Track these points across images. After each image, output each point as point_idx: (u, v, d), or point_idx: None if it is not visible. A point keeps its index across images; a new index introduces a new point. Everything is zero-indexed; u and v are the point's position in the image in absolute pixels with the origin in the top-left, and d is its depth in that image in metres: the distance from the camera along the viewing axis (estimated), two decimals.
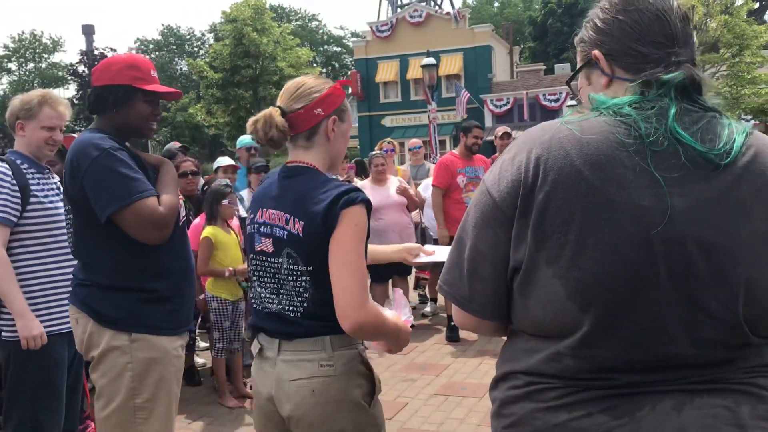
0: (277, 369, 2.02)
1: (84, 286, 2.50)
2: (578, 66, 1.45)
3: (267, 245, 2.05)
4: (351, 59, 50.24)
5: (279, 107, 2.07)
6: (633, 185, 1.19)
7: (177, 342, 2.54)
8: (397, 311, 2.14)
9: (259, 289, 2.11)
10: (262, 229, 2.07)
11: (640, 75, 1.30)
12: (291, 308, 2.02)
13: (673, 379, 1.22)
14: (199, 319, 5.60)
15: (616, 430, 1.20)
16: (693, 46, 1.35)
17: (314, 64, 38.91)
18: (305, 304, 1.99)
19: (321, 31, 64.13)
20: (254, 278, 2.13)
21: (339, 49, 63.18)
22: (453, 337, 6.34)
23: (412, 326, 6.84)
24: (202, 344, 6.33)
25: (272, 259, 2.04)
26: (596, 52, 1.37)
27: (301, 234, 1.97)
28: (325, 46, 63.07)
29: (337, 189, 1.97)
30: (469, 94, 30.33)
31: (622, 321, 1.20)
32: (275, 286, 2.05)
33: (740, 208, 1.20)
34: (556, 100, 31.56)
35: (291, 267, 2.00)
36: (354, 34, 52.74)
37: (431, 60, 17.94)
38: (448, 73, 34.74)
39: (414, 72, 33.91)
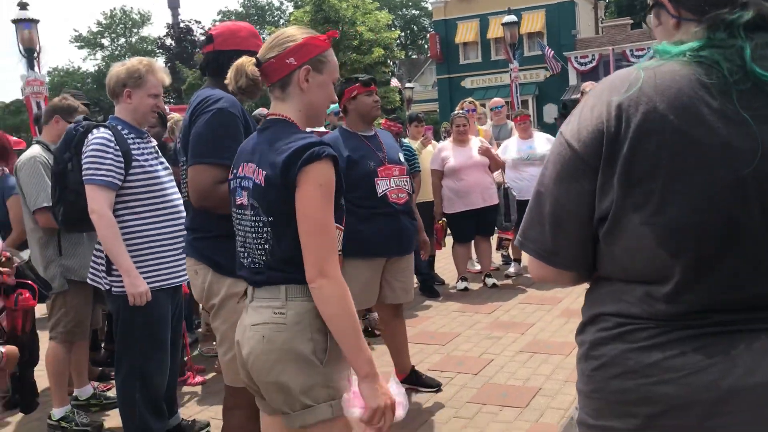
0: (246, 315, 2.07)
1: (200, 238, 2.66)
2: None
3: (244, 198, 2.06)
4: (430, 21, 49.63)
5: (255, 57, 2.07)
6: (720, 126, 1.16)
7: None
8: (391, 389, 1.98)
9: (237, 242, 2.14)
10: (241, 183, 2.08)
11: (705, 17, 1.25)
12: (256, 259, 2.03)
13: None
14: None
15: (710, 369, 1.19)
16: None
17: (393, 28, 38.69)
18: (265, 257, 1.99)
19: None
20: (235, 231, 2.15)
21: (418, 11, 62.48)
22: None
23: (495, 285, 6.75)
24: None
25: (246, 212, 2.05)
26: None
27: (263, 184, 1.97)
28: (404, 10, 62.47)
29: (301, 141, 1.93)
30: (552, 52, 29.51)
31: (715, 265, 1.19)
32: (244, 237, 2.07)
33: None
34: (645, 55, 30.29)
35: (254, 218, 2.01)
36: None
37: (512, 18, 17.53)
38: (530, 30, 33.84)
39: (495, 31, 33.21)
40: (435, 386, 4.26)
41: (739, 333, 1.20)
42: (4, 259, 2.87)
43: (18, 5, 10.72)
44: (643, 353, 1.24)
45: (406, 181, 4.04)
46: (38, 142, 4.06)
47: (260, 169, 1.98)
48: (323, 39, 2.08)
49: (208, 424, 3.84)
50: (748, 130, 1.15)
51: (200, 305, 4.31)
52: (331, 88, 2.12)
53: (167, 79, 3.37)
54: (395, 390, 1.99)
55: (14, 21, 10.72)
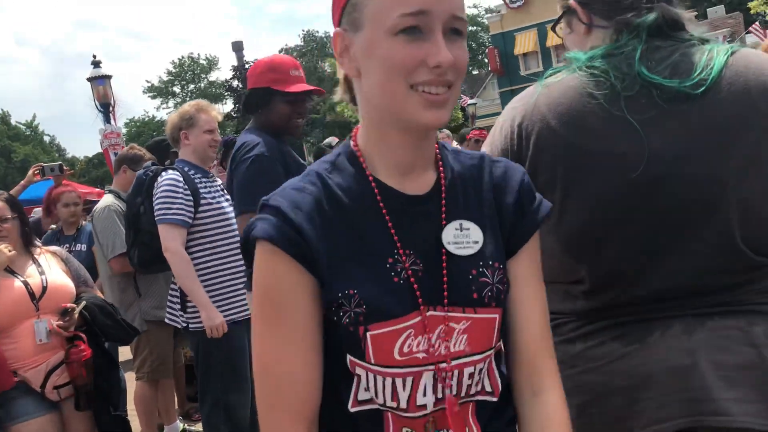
0: None
1: None
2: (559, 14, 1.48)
3: None
4: (487, 36, 49.50)
5: None
6: (608, 134, 1.22)
7: None
8: None
9: None
10: None
11: (612, 21, 1.32)
12: None
13: (683, 306, 1.25)
14: None
15: (628, 356, 1.25)
16: None
17: None
18: None
19: None
20: None
21: (475, 28, 62.42)
22: None
23: None
24: None
25: None
26: (572, 1, 1.40)
27: None
28: None
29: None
30: None
31: (618, 265, 1.26)
32: None
33: (723, 132, 1.20)
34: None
35: None
36: (488, 11, 52.03)
37: None
38: None
39: (554, 38, 32.64)
40: None
41: (655, 320, 1.25)
42: (69, 309, 2.98)
43: (92, 63, 11.30)
44: (568, 345, 1.32)
45: None
46: (110, 191, 4.26)
47: None
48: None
49: None
50: (635, 135, 1.21)
51: None
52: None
53: (219, 116, 3.53)
54: None
55: (89, 79, 11.29)
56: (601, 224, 1.25)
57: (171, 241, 3.25)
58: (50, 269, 3.09)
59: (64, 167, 5.58)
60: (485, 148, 1.42)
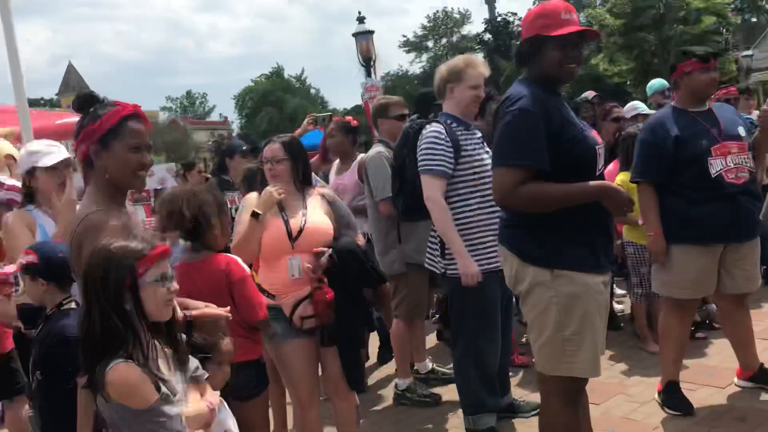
0: None
1: (510, 227, 2.74)
2: None
3: None
4: None
5: None
6: None
7: (598, 278, 2.62)
8: None
9: None
10: None
11: None
12: None
13: None
14: (616, 265, 5.61)
15: None
16: None
17: None
18: None
19: None
20: None
21: None
22: None
23: None
24: (619, 291, 6.33)
25: None
26: None
27: None
28: None
29: None
30: None
31: None
32: None
33: None
34: None
35: None
36: None
37: None
38: None
39: None
40: None
41: None
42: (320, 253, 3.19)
43: (357, 19, 11.96)
44: None
45: (748, 158, 3.62)
46: (380, 141, 4.53)
47: None
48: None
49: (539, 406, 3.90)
50: None
51: None
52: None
53: (486, 72, 3.55)
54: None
55: (354, 34, 11.98)
56: None
57: (432, 190, 3.41)
58: (314, 211, 3.29)
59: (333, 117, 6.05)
60: None
